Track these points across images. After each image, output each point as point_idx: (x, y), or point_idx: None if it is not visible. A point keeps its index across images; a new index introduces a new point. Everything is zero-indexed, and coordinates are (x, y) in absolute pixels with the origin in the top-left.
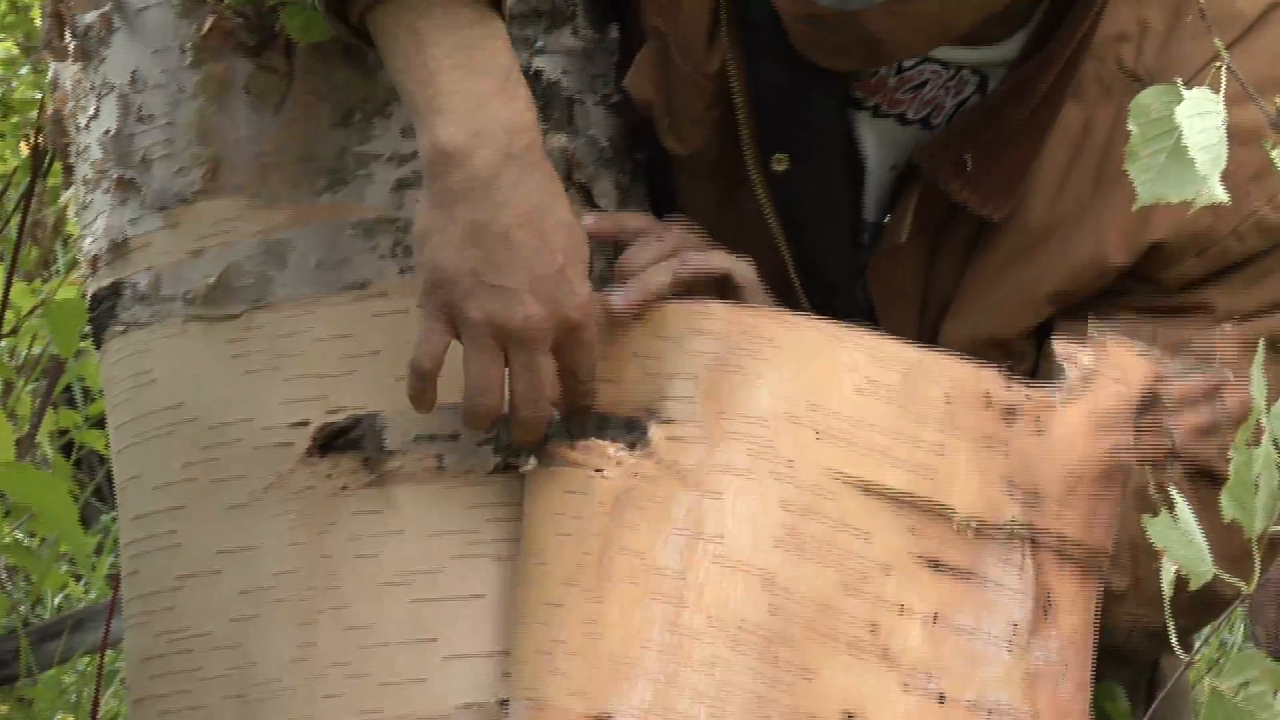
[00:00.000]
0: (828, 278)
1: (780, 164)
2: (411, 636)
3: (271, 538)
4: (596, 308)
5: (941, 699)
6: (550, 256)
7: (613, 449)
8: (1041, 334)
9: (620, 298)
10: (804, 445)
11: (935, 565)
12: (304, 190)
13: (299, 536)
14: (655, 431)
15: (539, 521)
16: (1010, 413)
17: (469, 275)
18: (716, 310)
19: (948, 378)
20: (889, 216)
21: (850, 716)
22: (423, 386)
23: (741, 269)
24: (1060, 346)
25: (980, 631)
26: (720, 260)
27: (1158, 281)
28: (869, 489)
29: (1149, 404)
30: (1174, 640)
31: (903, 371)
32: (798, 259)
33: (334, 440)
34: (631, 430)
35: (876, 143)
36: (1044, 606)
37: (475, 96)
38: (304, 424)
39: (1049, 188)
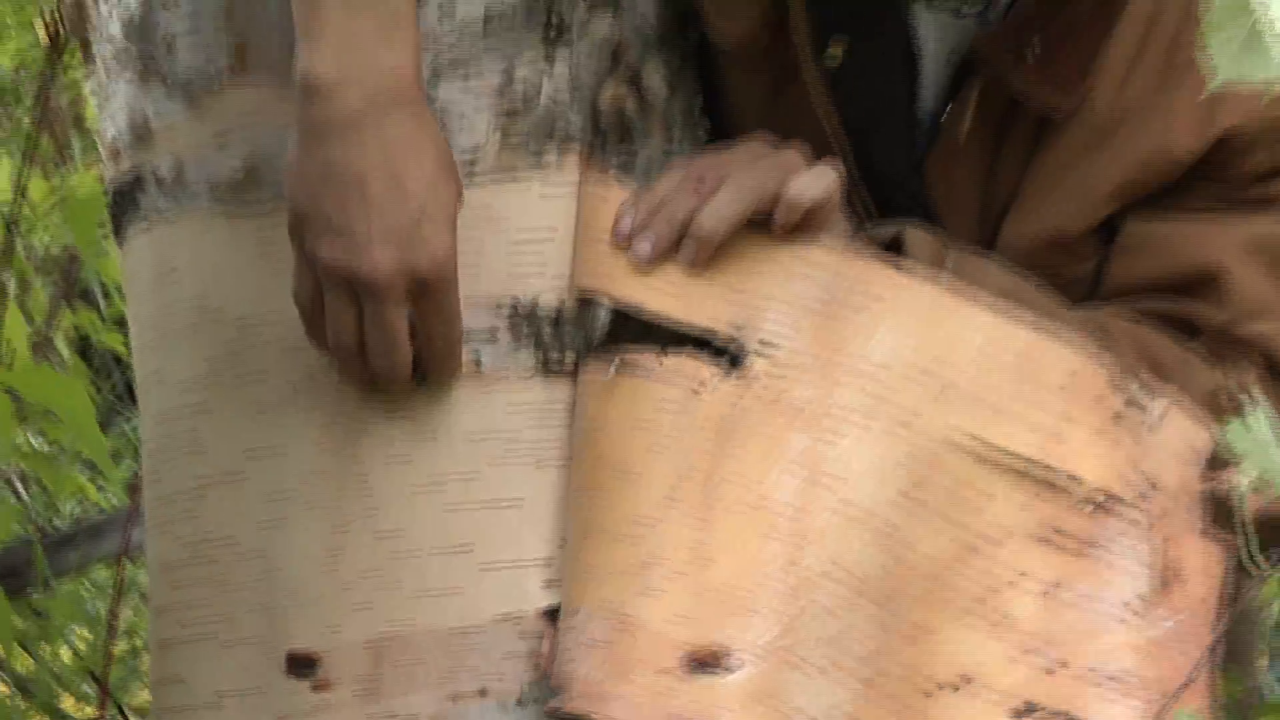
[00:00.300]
0: (886, 175)
1: (835, 55)
2: (445, 544)
3: (299, 440)
4: (453, 266)
5: (1057, 666)
6: (405, 206)
7: (707, 369)
8: (1105, 233)
9: (710, 221)
10: (926, 401)
11: (1054, 536)
12: None
13: (328, 439)
14: (755, 360)
15: (621, 431)
16: (1120, 414)
17: (321, 217)
18: (822, 256)
19: (1065, 360)
20: (948, 111)
21: (967, 679)
22: (309, 322)
23: (831, 191)
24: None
25: (1098, 601)
26: (818, 187)
27: (1228, 175)
28: (990, 455)
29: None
30: (1247, 553)
31: (1023, 345)
32: (854, 156)
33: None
34: (715, 349)
35: (932, 35)
36: (1168, 578)
37: (354, 34)
38: None
39: (1114, 80)
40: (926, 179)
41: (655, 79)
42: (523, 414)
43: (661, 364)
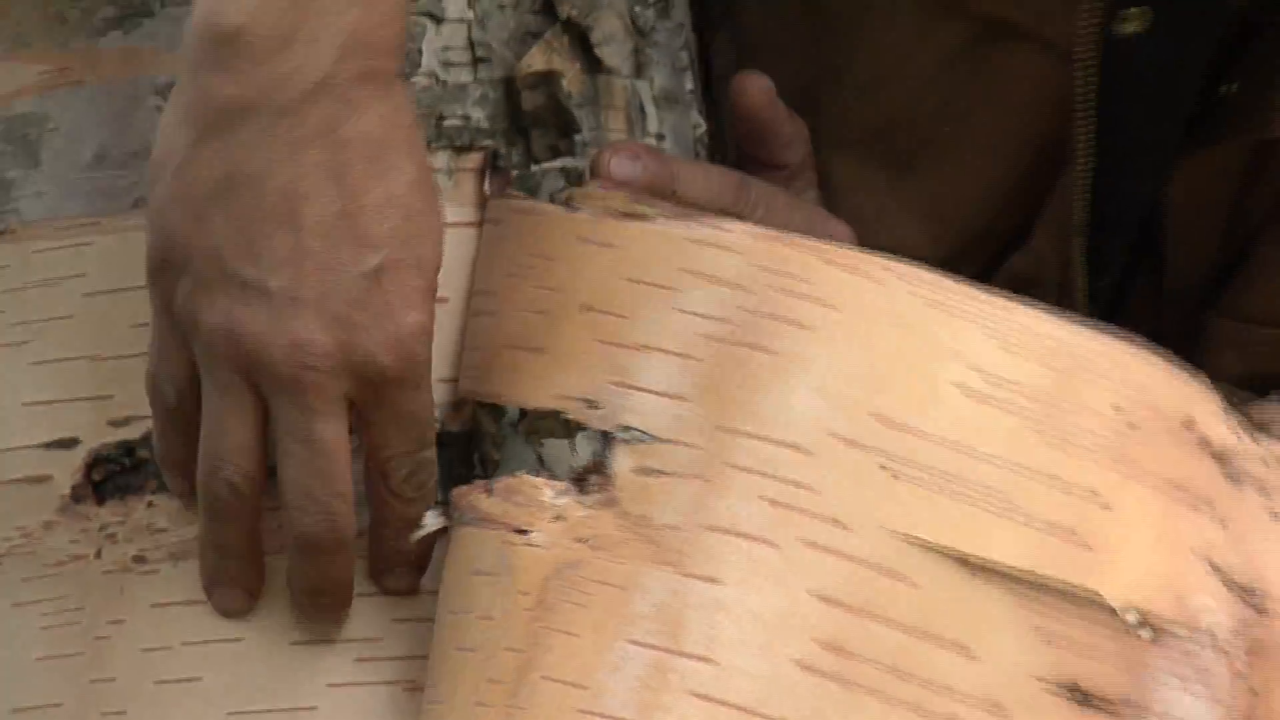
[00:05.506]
0: (1131, 190)
1: (1135, 19)
2: None
3: (6, 646)
4: (429, 356)
5: None
6: (361, 248)
7: (549, 490)
8: None
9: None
10: (867, 489)
11: (1077, 695)
12: (75, 28)
13: (58, 644)
14: (621, 457)
15: (444, 611)
16: (1228, 463)
17: (209, 254)
18: (735, 240)
19: (1126, 379)
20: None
21: None
22: (167, 430)
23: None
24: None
25: None
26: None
27: None
28: (972, 564)
29: None
30: None
31: (1046, 363)
32: (1094, 166)
33: (121, 473)
34: (571, 450)
35: None
36: (1249, 703)
37: None
38: (69, 443)
39: None
40: (1163, 204)
41: (613, 38)
42: (384, 602)
43: (487, 498)
